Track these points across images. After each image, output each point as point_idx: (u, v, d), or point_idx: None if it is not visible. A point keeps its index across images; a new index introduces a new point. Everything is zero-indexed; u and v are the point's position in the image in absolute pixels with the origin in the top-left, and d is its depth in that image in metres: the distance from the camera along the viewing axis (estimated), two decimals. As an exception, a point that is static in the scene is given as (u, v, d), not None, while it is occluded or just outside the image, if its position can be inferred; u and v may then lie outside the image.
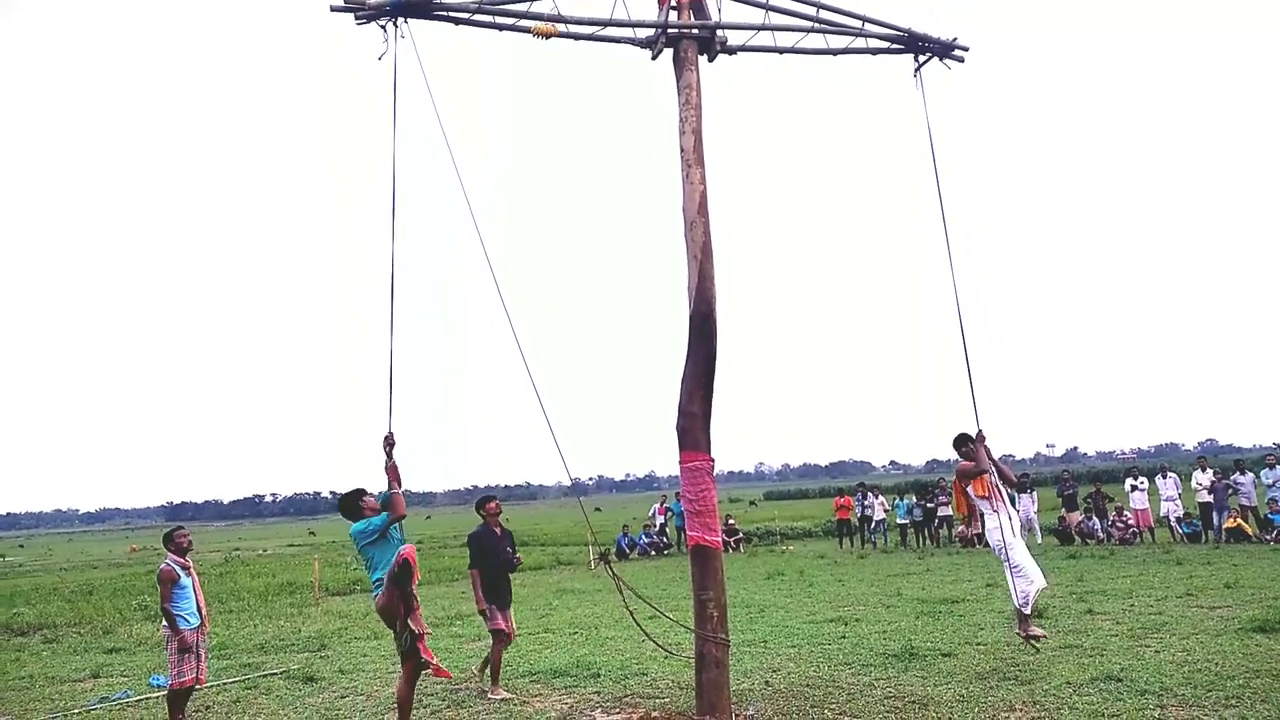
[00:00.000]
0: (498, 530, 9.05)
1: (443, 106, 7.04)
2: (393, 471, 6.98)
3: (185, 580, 8.15)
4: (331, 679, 9.83)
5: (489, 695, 8.44)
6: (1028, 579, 8.25)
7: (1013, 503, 23.50)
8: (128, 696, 9.63)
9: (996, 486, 8.54)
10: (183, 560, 8.25)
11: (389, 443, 6.95)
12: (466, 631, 12.78)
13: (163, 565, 8.15)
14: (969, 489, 8.71)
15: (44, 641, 14.75)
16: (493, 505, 9.17)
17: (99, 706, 9.25)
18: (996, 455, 8.67)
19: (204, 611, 8.29)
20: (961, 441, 8.66)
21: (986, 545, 22.57)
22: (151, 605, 18.41)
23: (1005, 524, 8.41)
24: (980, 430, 8.46)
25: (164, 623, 8.08)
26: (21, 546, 76.43)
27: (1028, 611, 8.28)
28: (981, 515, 8.78)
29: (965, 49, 8.63)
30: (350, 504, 7.29)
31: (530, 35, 7.38)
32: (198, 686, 8.29)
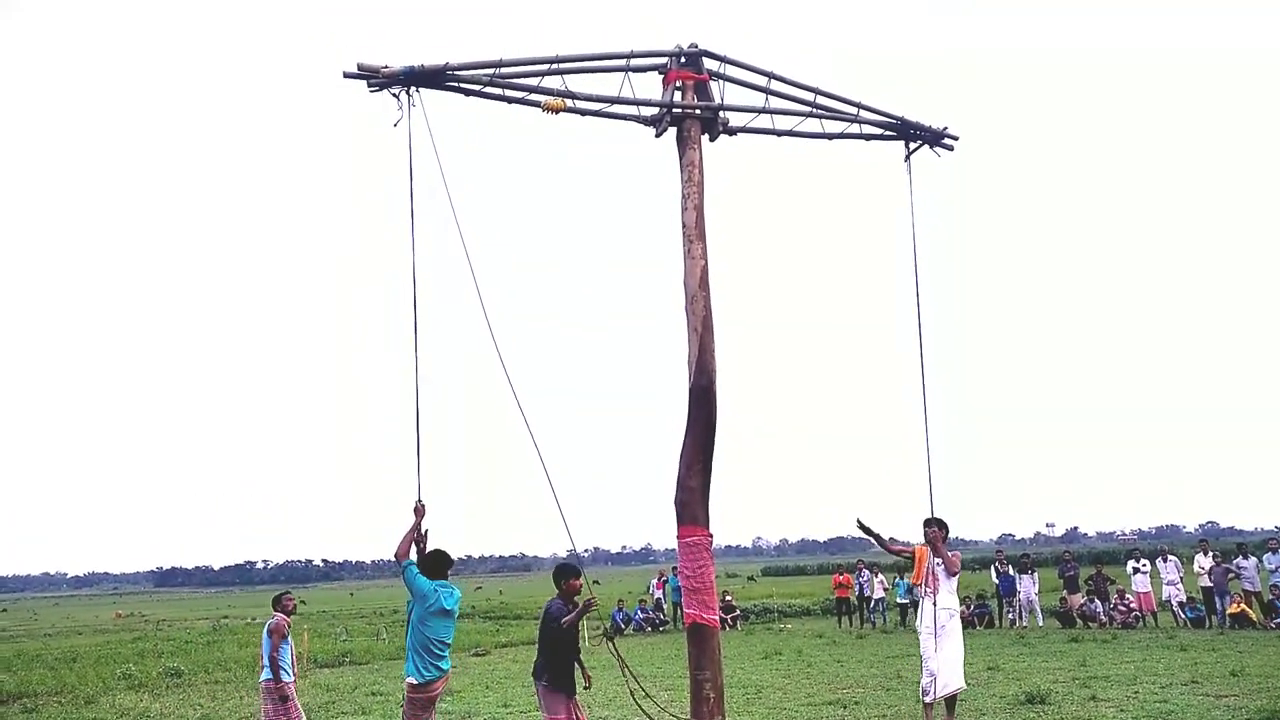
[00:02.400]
0: (569, 607, 7.48)
1: (452, 172, 7.17)
2: (422, 540, 7.11)
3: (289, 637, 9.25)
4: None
5: None
6: (928, 673, 8.66)
7: (1013, 587, 23.23)
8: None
9: (933, 573, 8.87)
10: (287, 620, 9.30)
11: (420, 512, 7.06)
12: (456, 709, 12.49)
13: (276, 619, 9.15)
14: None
15: (23, 711, 14.38)
16: (577, 583, 7.53)
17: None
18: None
19: (295, 667, 9.32)
20: (926, 524, 9.00)
21: (988, 626, 22.31)
22: (136, 674, 18.06)
23: (926, 613, 8.83)
24: (930, 518, 8.84)
25: (264, 674, 8.93)
26: (4, 610, 75.08)
27: (926, 700, 8.70)
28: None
29: (955, 138, 8.96)
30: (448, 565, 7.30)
31: (540, 109, 7.58)
32: None
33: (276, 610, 9.36)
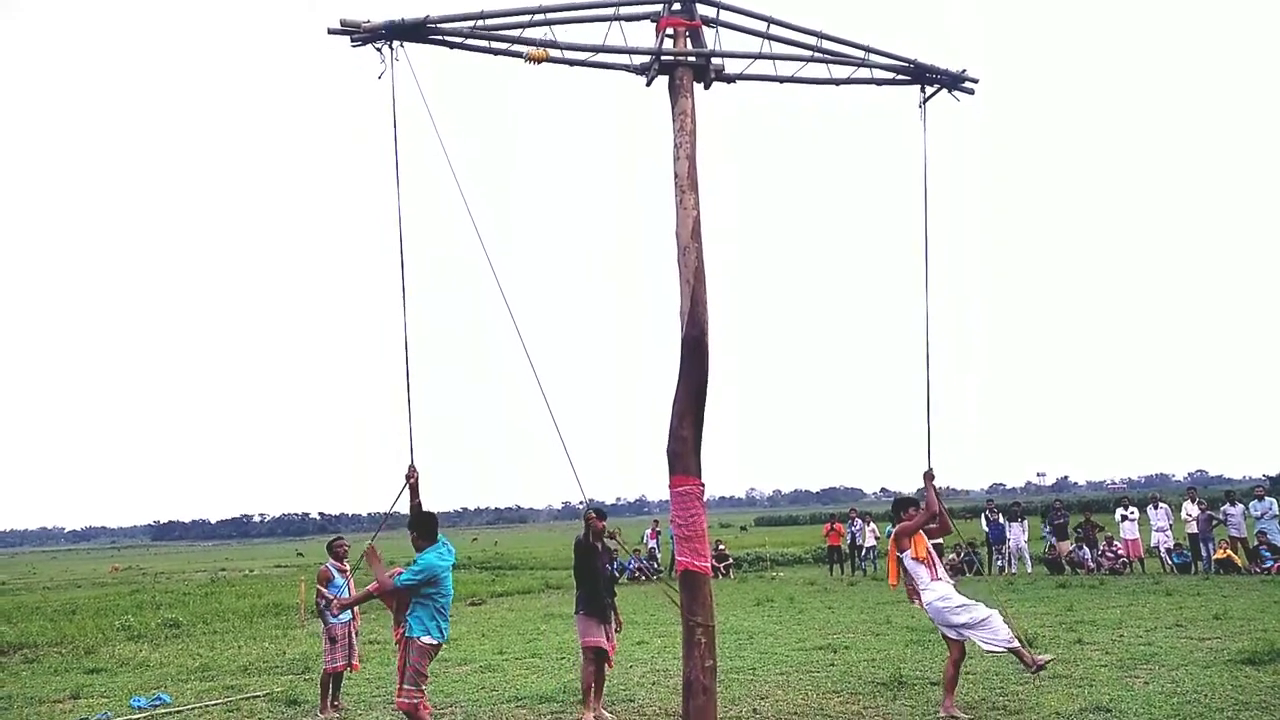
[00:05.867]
0: (599, 545, 8.70)
1: (441, 126, 7.09)
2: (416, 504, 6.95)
3: (339, 581, 9.56)
4: (314, 702, 9.70)
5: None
6: (992, 630, 7.58)
7: (1002, 535, 22.49)
8: (107, 718, 9.50)
9: (930, 553, 7.79)
10: (340, 565, 9.68)
11: (412, 477, 6.94)
12: (452, 655, 12.66)
13: (322, 566, 9.74)
14: (904, 553, 7.86)
15: (24, 661, 14.55)
16: (601, 523, 8.71)
17: (78, 728, 9.12)
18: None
19: (355, 609, 9.37)
20: (902, 506, 8.07)
21: (976, 574, 22.55)
22: (135, 625, 18.26)
23: (948, 591, 7.68)
24: (930, 469, 7.80)
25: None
26: (2, 565, 75.57)
27: (1017, 646, 7.66)
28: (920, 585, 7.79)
29: (975, 80, 8.41)
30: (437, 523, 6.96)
31: (524, 60, 7.43)
32: (350, 672, 9.69)
33: (330, 556, 9.76)
